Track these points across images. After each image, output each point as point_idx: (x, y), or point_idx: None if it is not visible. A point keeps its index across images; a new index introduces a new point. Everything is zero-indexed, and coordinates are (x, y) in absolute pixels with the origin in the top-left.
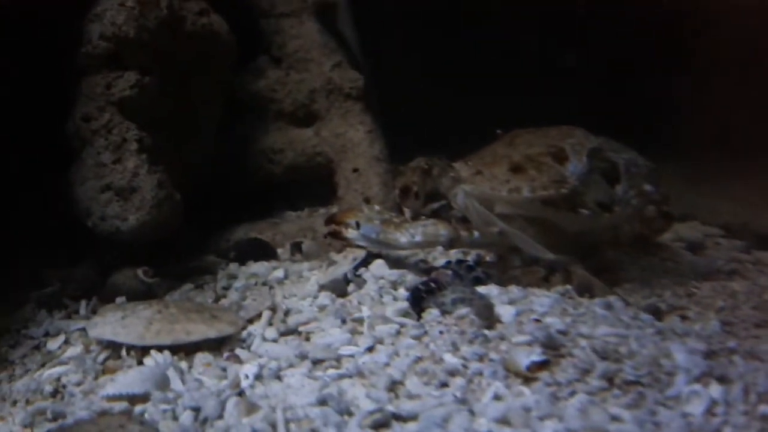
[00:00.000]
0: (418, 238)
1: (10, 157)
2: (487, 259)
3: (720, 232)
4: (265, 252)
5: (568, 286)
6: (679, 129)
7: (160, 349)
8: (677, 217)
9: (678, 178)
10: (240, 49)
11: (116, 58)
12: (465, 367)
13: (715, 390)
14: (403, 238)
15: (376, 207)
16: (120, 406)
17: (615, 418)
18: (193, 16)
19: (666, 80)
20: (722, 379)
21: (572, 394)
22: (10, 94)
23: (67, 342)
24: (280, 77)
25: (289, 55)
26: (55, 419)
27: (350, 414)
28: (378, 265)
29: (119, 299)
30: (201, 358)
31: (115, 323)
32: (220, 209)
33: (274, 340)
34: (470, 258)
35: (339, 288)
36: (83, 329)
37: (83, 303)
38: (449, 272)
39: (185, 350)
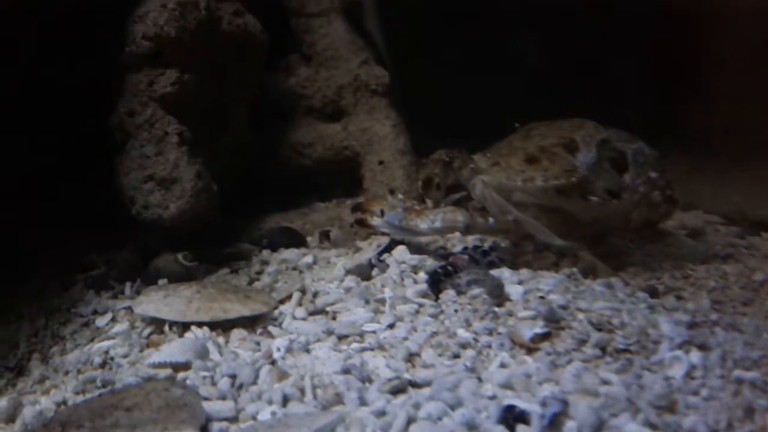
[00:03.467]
0: (437, 224)
1: (56, 146)
2: (503, 245)
3: (720, 219)
4: (295, 240)
5: (574, 269)
6: (686, 122)
7: (199, 325)
8: (681, 202)
9: (684, 168)
10: (272, 47)
11: (158, 57)
12: (476, 340)
13: (695, 356)
14: (423, 224)
15: (400, 196)
16: (164, 372)
17: (605, 382)
18: (229, 17)
19: (673, 75)
20: (702, 347)
21: (569, 361)
22: (55, 86)
23: (114, 319)
24: (309, 74)
25: (318, 53)
26: (104, 386)
27: (371, 381)
28: (400, 251)
29: (161, 281)
30: (236, 333)
31: (158, 301)
32: (254, 200)
33: (304, 319)
34: (486, 244)
35: (364, 272)
36: (129, 308)
37: (128, 284)
38: (466, 257)
39: (222, 327)
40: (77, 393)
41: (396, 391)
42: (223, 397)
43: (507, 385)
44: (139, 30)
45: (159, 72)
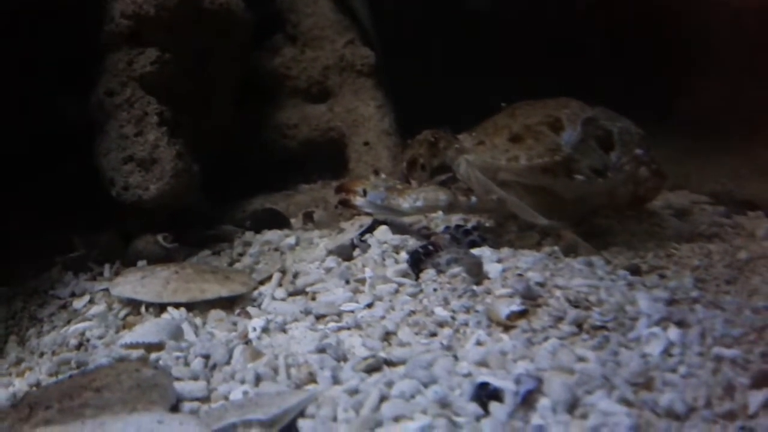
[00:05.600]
0: (419, 203)
1: (36, 129)
2: (487, 224)
3: (706, 199)
4: (278, 221)
5: (555, 247)
6: (677, 103)
7: (176, 306)
8: (669, 182)
9: (674, 150)
10: (256, 27)
11: (137, 36)
12: (453, 318)
13: (673, 333)
14: (405, 203)
15: (383, 176)
16: (137, 353)
17: (581, 359)
18: None
19: (666, 60)
20: (681, 324)
21: (546, 339)
22: (36, 68)
23: (91, 301)
24: (295, 55)
25: (303, 33)
26: (78, 367)
27: (346, 360)
28: (382, 231)
29: (141, 263)
30: (214, 314)
31: (135, 282)
32: (238, 181)
33: (283, 299)
34: (470, 224)
35: (345, 252)
36: (107, 289)
37: (107, 266)
38: (447, 236)
39: (200, 307)
40: (51, 375)
41: (371, 370)
42: (195, 378)
43: (482, 363)
44: (118, 8)
45: (138, 51)
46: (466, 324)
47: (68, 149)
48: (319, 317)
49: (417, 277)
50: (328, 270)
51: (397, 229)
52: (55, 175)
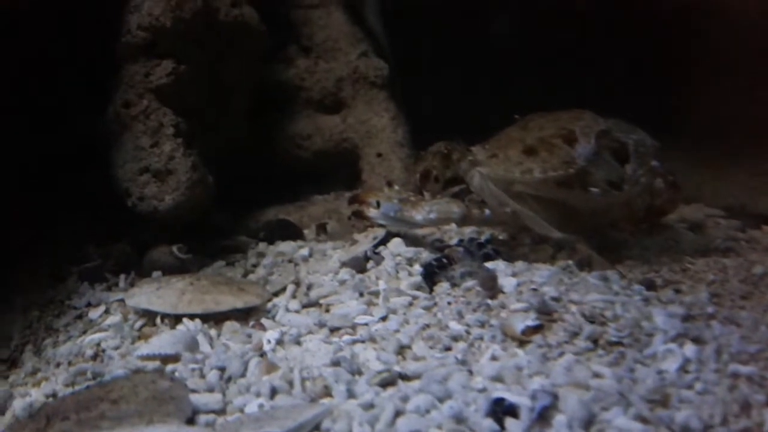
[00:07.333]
0: (432, 216)
1: (53, 139)
2: (500, 237)
3: (720, 212)
4: (292, 232)
5: (570, 261)
6: (689, 117)
7: (191, 317)
8: (683, 192)
9: (685, 163)
10: (270, 38)
11: (154, 48)
12: (468, 332)
13: (689, 349)
14: (419, 215)
15: (396, 187)
16: (153, 365)
17: (597, 375)
18: (226, 7)
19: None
20: (697, 340)
21: (561, 354)
22: (53, 78)
23: (107, 312)
24: (308, 66)
25: (317, 44)
26: (94, 378)
27: (360, 373)
28: (396, 243)
29: (155, 273)
30: (229, 326)
31: (150, 293)
32: (251, 192)
33: (297, 311)
34: (483, 237)
35: (359, 264)
36: (122, 300)
37: (122, 277)
38: (461, 249)
39: (214, 319)
40: (67, 385)
41: (385, 384)
42: (211, 390)
43: (497, 378)
44: (135, 20)
45: (155, 63)
46: (480, 338)
47: (84, 159)
48: (333, 330)
49: (431, 290)
50: (342, 282)
51: (411, 241)
52: (71, 185)
